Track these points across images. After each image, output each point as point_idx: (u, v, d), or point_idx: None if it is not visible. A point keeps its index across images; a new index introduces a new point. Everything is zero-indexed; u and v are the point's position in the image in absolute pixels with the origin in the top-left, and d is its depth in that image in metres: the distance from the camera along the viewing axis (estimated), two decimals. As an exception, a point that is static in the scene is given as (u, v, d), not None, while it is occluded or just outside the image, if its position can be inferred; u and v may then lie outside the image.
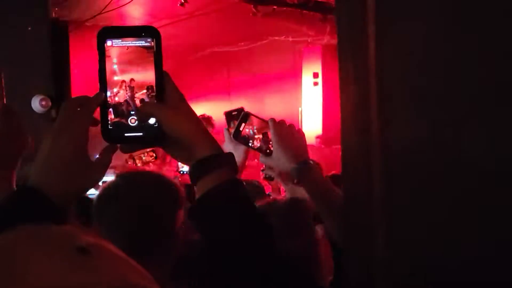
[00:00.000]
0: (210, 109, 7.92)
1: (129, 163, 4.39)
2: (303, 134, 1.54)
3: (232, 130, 1.89)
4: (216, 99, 7.94)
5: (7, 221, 0.78)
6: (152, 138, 0.90)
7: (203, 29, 6.43)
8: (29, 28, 3.31)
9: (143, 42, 0.91)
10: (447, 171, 0.79)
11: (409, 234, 0.81)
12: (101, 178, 0.88)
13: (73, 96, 0.89)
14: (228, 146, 1.93)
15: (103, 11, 4.67)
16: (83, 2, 5.00)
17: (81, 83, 7.06)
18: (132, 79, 0.91)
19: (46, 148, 0.84)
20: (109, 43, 0.90)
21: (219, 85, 7.98)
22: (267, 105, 7.23)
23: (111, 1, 4.58)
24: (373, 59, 0.81)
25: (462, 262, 0.78)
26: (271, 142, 1.55)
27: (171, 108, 0.88)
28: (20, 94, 3.60)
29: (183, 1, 4.28)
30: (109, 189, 1.35)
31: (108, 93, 0.90)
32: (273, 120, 1.50)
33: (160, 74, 0.90)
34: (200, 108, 7.51)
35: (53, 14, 4.30)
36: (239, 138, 1.77)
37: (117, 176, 1.41)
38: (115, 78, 0.91)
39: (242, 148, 1.84)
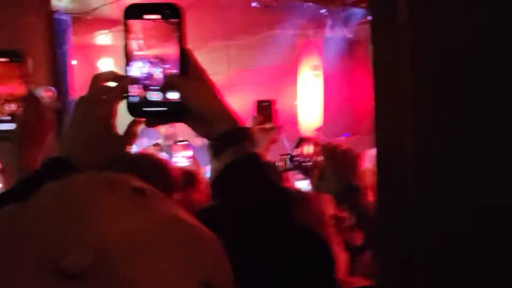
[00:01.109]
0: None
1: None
2: (357, 157, 1.58)
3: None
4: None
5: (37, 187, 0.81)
6: (175, 113, 0.92)
7: (203, 22, 6.44)
8: (33, 19, 3.32)
9: (168, 18, 0.93)
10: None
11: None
12: (126, 150, 0.91)
13: (103, 71, 0.92)
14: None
15: (103, 4, 4.66)
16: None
17: (86, 72, 7.08)
18: (156, 55, 0.93)
19: (75, 121, 0.87)
20: (134, 19, 0.91)
21: (219, 78, 7.99)
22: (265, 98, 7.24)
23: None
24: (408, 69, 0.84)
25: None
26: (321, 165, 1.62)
27: (194, 81, 0.90)
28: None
29: (185, -8, 4.27)
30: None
31: (134, 69, 0.91)
32: (327, 144, 1.57)
33: (183, 49, 0.92)
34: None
35: (55, 7, 4.30)
36: (293, 161, 1.81)
37: None
38: (140, 53, 0.93)
39: (262, 139, 1.89)
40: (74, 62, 4.85)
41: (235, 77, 7.85)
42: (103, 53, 7.79)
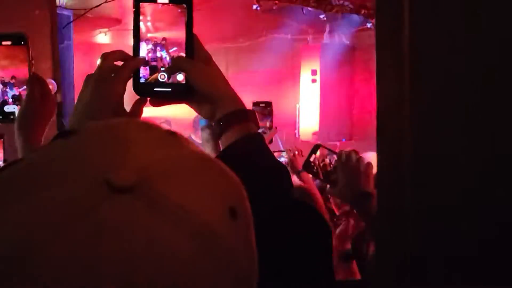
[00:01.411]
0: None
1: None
2: (372, 167, 1.60)
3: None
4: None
5: None
6: (180, 94, 0.96)
7: (202, 24, 6.48)
8: (37, 12, 3.36)
9: (177, 3, 0.97)
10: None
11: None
12: None
13: (112, 51, 0.95)
14: None
15: (103, 2, 4.70)
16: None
17: (84, 70, 7.10)
18: (164, 38, 0.97)
19: (85, 98, 0.90)
20: (145, 2, 0.95)
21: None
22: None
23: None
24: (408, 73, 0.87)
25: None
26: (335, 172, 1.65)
27: (201, 64, 0.94)
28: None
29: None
30: None
31: (142, 49, 0.95)
32: (342, 152, 1.59)
33: (190, 33, 0.96)
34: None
35: (58, 2, 4.34)
36: (308, 168, 1.85)
37: None
38: (148, 35, 0.97)
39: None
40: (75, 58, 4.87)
41: (234, 79, 7.90)
42: (102, 52, 7.81)
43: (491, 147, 0.83)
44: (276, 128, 2.29)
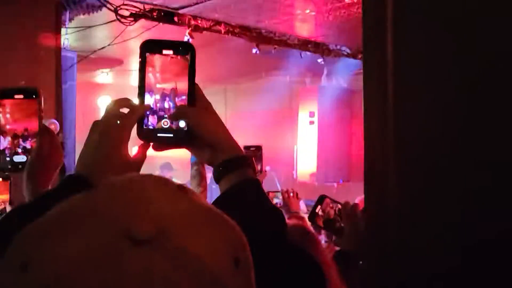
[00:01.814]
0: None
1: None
2: None
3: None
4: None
5: (55, 201, 0.89)
6: (181, 139, 1.01)
7: (202, 65, 6.61)
8: (42, 53, 3.45)
9: (181, 55, 1.03)
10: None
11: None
12: (138, 171, 0.99)
13: (119, 98, 1.01)
14: None
15: (112, 43, 4.82)
16: (89, 35, 5.17)
17: (85, 109, 7.18)
18: (173, 88, 1.03)
19: (92, 143, 0.95)
20: (151, 53, 1.02)
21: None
22: (264, 142, 7.34)
23: (118, 36, 4.75)
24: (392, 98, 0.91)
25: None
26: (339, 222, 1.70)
27: (203, 111, 1.00)
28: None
29: (189, 37, 4.46)
30: None
31: (147, 97, 1.02)
32: (347, 203, 1.65)
33: (193, 83, 1.02)
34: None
35: (63, 45, 4.46)
36: (314, 219, 1.89)
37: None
38: (154, 84, 1.03)
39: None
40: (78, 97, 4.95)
41: (232, 120, 8.00)
42: (103, 91, 7.93)
43: (477, 184, 0.84)
44: (265, 171, 2.36)
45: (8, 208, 2.09)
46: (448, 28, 0.83)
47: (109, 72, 7.53)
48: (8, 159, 1.30)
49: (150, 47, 1.02)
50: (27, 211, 0.91)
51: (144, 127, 1.01)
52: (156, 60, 1.03)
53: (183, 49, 1.03)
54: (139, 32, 4.97)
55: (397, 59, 0.89)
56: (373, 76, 0.97)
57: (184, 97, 1.03)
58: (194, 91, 1.02)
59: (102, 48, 4.90)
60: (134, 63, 6.89)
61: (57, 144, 1.29)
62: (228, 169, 0.98)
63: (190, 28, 4.43)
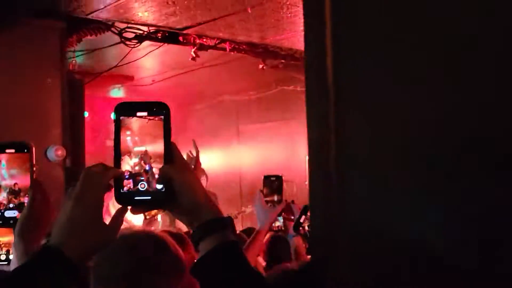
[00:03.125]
0: (221, 156, 8.07)
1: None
2: None
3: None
4: (226, 147, 8.09)
5: (32, 276, 0.89)
6: (159, 201, 1.00)
7: (213, 78, 6.63)
8: (49, 80, 3.49)
9: (156, 115, 1.03)
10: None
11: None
12: (114, 238, 0.99)
13: (90, 165, 1.00)
14: (258, 207, 2.17)
15: (119, 64, 4.86)
16: (98, 53, 5.22)
17: (95, 130, 7.24)
18: (145, 150, 1.03)
19: (66, 212, 0.95)
20: (125, 116, 1.01)
21: (229, 133, 8.13)
22: (276, 153, 7.34)
23: (127, 54, 4.78)
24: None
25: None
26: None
27: (182, 173, 0.99)
28: (36, 144, 3.72)
29: (194, 56, 4.47)
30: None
31: (123, 161, 1.01)
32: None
33: (169, 143, 1.01)
34: (210, 155, 7.65)
35: (71, 67, 4.51)
36: (298, 229, 1.91)
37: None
38: (130, 147, 1.02)
39: (271, 211, 2.10)
40: (85, 114, 4.99)
41: (244, 131, 8.01)
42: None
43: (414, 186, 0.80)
44: (286, 200, 2.38)
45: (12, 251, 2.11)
46: (387, 55, 0.79)
47: (121, 88, 7.60)
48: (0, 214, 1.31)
49: (124, 110, 1.02)
50: None
51: (122, 191, 1.00)
52: (131, 122, 1.03)
53: (158, 109, 1.03)
54: (148, 51, 5.01)
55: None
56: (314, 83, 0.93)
57: (161, 158, 1.03)
58: (171, 151, 1.01)
59: (110, 69, 4.94)
60: (145, 78, 6.94)
61: (48, 198, 1.29)
62: (206, 232, 0.97)
63: (195, 47, 4.44)
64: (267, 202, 2.25)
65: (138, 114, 1.02)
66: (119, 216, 1.00)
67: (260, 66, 5.11)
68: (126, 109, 1.03)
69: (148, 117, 1.03)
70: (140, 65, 6.05)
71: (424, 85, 0.74)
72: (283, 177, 2.36)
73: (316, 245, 0.84)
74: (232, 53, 4.77)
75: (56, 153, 3.34)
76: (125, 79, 6.90)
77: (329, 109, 0.79)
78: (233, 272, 0.95)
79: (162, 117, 1.02)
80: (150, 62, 6.04)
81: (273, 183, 2.33)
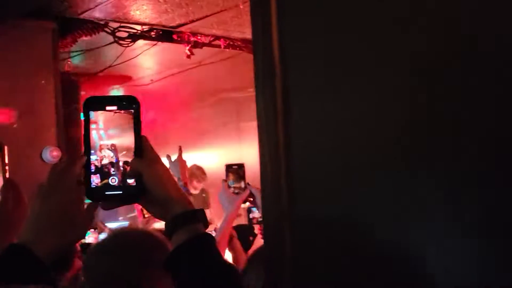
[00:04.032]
0: (222, 154, 8.05)
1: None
2: None
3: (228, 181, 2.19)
4: (227, 145, 8.07)
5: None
6: (130, 195, 0.99)
7: (212, 76, 6.62)
8: (43, 82, 3.49)
9: (125, 109, 1.02)
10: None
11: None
12: (85, 234, 0.98)
13: (58, 161, 0.99)
14: (222, 196, 2.17)
15: (114, 64, 4.86)
16: (96, 53, 5.22)
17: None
18: (112, 144, 1.02)
19: (35, 209, 0.94)
20: (95, 110, 1.00)
21: (230, 131, 8.12)
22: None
23: (122, 53, 4.78)
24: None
25: None
26: None
27: (152, 166, 0.98)
28: (31, 146, 3.75)
29: (188, 53, 4.46)
30: (98, 245, 1.43)
31: (93, 157, 1.00)
32: None
33: (139, 137, 1.00)
34: (211, 154, 7.63)
35: (66, 68, 4.51)
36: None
37: (110, 233, 1.49)
38: (98, 142, 1.02)
39: (235, 199, 2.10)
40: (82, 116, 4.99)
41: (245, 128, 7.99)
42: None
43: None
44: (248, 184, 2.39)
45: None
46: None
47: (119, 88, 7.60)
48: None
49: (93, 105, 1.01)
50: None
51: (92, 186, 0.99)
52: (100, 116, 1.02)
53: (127, 103, 1.02)
54: (143, 49, 5.01)
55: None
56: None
57: (131, 151, 1.02)
58: (141, 144, 1.00)
59: (104, 69, 4.95)
60: (143, 78, 6.94)
61: (22, 198, 1.29)
62: (177, 225, 0.96)
63: (190, 45, 4.43)
64: (235, 189, 2.27)
65: (108, 108, 1.02)
66: (90, 211, 0.99)
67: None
68: (95, 103, 1.02)
69: (118, 111, 1.02)
70: (137, 65, 6.05)
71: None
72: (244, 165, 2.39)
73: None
74: (227, 50, 4.75)
75: (51, 154, 3.34)
76: (123, 79, 6.91)
77: (277, 94, 0.77)
78: (203, 264, 0.94)
79: (132, 111, 1.02)
80: (147, 61, 6.04)
81: (237, 171, 2.35)
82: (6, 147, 1.31)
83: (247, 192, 2.26)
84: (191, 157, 6.31)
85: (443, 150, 0.66)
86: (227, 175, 2.29)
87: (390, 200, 0.68)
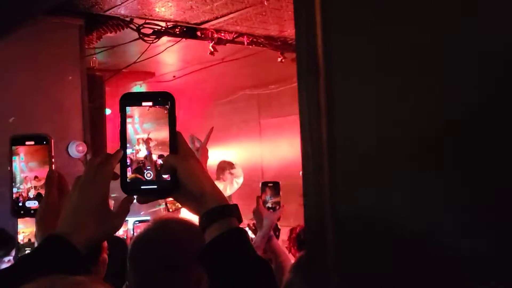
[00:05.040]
0: (242, 151, 8.06)
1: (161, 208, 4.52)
2: None
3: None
4: (247, 141, 8.08)
5: (37, 265, 0.90)
6: (165, 190, 1.01)
7: (234, 73, 6.63)
8: (70, 78, 3.54)
9: (161, 105, 1.03)
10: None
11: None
12: (120, 226, 1.00)
13: (96, 154, 1.01)
14: (257, 212, 2.26)
15: (137, 60, 4.89)
16: (120, 49, 5.26)
17: (116, 126, 7.32)
18: (149, 138, 1.03)
19: (73, 200, 0.96)
20: (132, 106, 1.02)
21: (250, 127, 8.12)
22: (298, 147, 7.30)
23: (146, 50, 4.81)
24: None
25: None
26: None
27: (188, 161, 0.99)
28: (58, 141, 3.79)
29: (212, 50, 4.47)
30: (144, 234, 1.44)
31: (129, 150, 1.01)
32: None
33: (174, 131, 1.01)
34: (232, 151, 7.65)
35: (92, 64, 4.56)
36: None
37: (151, 221, 1.51)
38: (135, 136, 1.03)
39: (270, 215, 2.23)
40: (108, 112, 5.04)
41: (266, 125, 7.98)
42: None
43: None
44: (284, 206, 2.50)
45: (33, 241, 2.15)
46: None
47: (142, 84, 7.66)
48: (21, 204, 1.33)
49: (129, 101, 1.02)
50: (5, 277, 0.93)
51: (128, 180, 1.00)
52: (136, 112, 1.03)
53: (162, 99, 1.03)
54: (166, 46, 5.03)
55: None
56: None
57: (166, 147, 1.02)
58: (176, 139, 1.01)
59: (129, 65, 4.98)
60: (166, 74, 6.98)
61: (67, 190, 1.31)
62: (211, 220, 0.97)
63: (213, 42, 4.44)
64: (272, 204, 2.38)
65: (144, 104, 1.03)
66: (125, 204, 1.00)
67: (279, 59, 5.09)
68: (131, 99, 1.03)
69: (154, 107, 1.03)
70: (160, 61, 6.09)
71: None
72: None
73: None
74: (250, 46, 4.75)
75: (77, 149, 3.39)
76: (146, 75, 6.96)
77: (320, 91, 0.77)
78: (236, 258, 0.95)
79: (167, 106, 1.03)
80: (170, 57, 6.07)
81: (272, 188, 2.44)
82: (52, 141, 1.33)
83: (282, 209, 2.37)
84: (212, 153, 6.33)
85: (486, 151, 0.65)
86: (263, 192, 2.42)
87: (433, 199, 0.67)
